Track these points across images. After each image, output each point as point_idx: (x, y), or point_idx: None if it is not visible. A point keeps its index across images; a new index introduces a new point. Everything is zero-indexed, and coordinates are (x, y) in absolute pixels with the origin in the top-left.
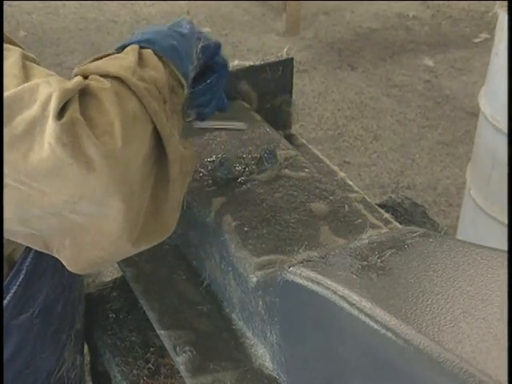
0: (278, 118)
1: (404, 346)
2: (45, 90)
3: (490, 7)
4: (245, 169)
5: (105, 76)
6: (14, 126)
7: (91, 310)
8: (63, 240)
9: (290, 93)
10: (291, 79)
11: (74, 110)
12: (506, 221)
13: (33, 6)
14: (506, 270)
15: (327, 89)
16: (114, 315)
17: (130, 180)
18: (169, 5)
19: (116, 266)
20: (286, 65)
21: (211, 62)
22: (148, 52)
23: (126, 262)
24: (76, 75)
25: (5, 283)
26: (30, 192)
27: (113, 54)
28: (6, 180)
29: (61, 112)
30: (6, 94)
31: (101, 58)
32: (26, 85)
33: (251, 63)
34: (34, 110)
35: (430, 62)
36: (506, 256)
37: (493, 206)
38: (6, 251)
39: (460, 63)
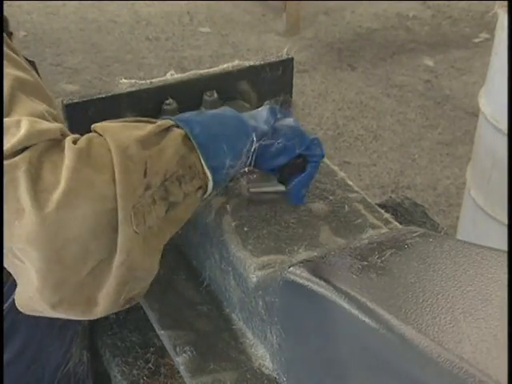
0: None
1: (404, 346)
2: (10, 136)
3: (490, 7)
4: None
5: (104, 140)
6: None
7: None
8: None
9: (290, 93)
10: (291, 79)
11: (25, 156)
12: (505, 221)
13: (33, 5)
14: (506, 270)
15: (327, 89)
16: (114, 315)
17: (57, 244)
18: (169, 5)
19: None
20: (286, 65)
21: (305, 153)
22: (176, 132)
23: None
24: (93, 129)
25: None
26: None
27: (147, 121)
28: None
29: (15, 154)
30: None
31: (134, 120)
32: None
33: (251, 63)
34: None
35: (430, 62)
36: (506, 256)
37: (493, 205)
38: None
39: (460, 63)
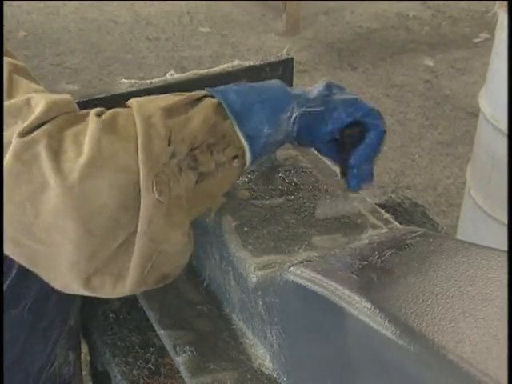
0: None
1: (404, 346)
2: (24, 116)
3: (490, 7)
4: None
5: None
6: None
7: (91, 309)
8: (31, 268)
9: None
10: (291, 79)
11: (44, 130)
12: (505, 221)
13: (33, 5)
14: (506, 270)
15: None
16: (113, 315)
17: (85, 214)
18: (169, 5)
19: None
20: (286, 65)
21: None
22: (208, 102)
23: None
24: (127, 105)
25: None
26: None
27: (182, 94)
28: None
29: (35, 128)
30: None
31: (173, 94)
32: (10, 103)
33: (251, 63)
34: (11, 132)
35: (430, 62)
36: (506, 256)
37: (493, 205)
38: None
39: (460, 63)
